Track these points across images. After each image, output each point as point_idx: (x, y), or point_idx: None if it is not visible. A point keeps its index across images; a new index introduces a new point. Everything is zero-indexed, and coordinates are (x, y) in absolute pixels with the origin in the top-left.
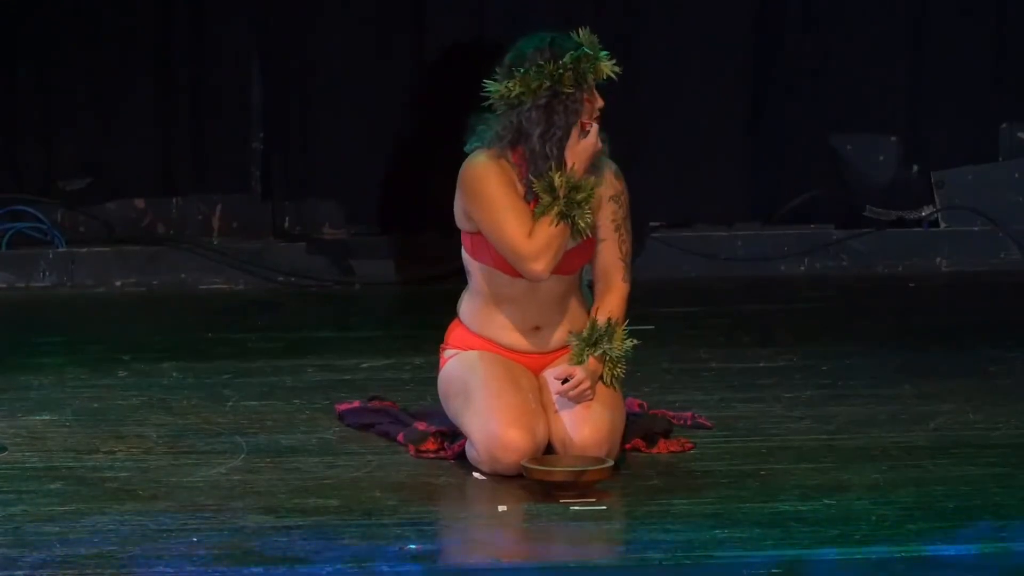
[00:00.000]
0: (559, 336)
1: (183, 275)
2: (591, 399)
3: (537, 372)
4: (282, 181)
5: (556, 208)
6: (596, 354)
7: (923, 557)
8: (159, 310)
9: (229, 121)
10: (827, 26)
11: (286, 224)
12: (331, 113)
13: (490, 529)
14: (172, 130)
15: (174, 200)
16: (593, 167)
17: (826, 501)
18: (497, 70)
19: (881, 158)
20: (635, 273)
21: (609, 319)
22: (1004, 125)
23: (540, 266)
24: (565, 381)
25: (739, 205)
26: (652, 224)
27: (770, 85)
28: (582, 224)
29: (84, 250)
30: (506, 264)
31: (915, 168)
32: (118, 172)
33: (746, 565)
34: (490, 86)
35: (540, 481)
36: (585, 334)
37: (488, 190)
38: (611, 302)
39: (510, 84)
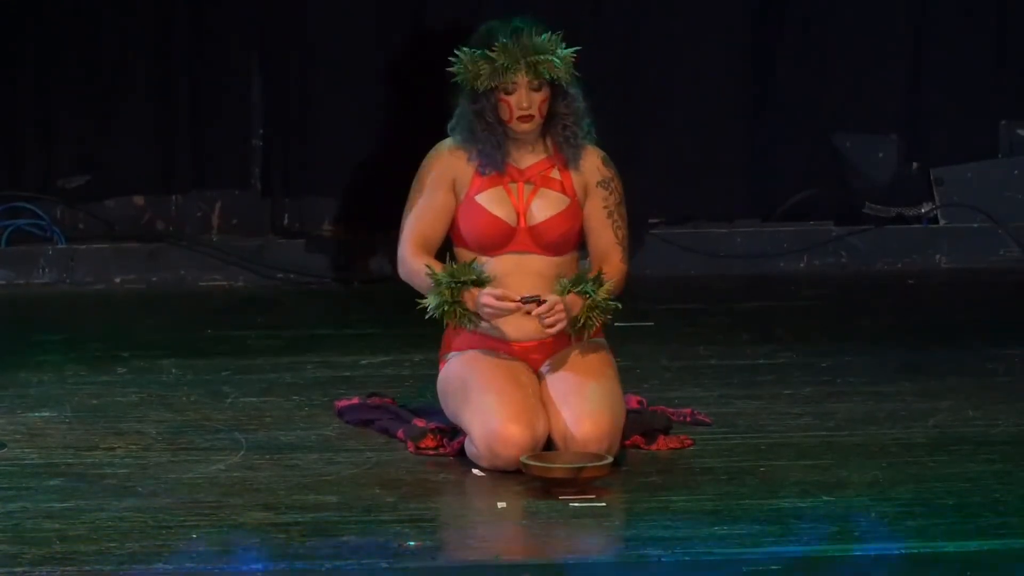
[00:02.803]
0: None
1: (182, 272)
2: (560, 326)
3: (537, 366)
4: (281, 178)
5: (435, 287)
6: (576, 290)
7: (922, 554)
8: (158, 307)
9: (229, 118)
10: (827, 24)
11: (285, 221)
12: (331, 110)
13: (489, 526)
14: (171, 127)
15: (173, 197)
16: (573, 152)
17: (825, 498)
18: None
19: (881, 155)
20: (634, 270)
21: (599, 272)
22: (1003, 122)
23: (399, 266)
24: (536, 304)
25: (739, 202)
26: (651, 221)
27: (770, 82)
28: (436, 306)
29: (83, 247)
30: (484, 245)
31: (914, 165)
32: (118, 169)
33: (745, 562)
34: None
35: (539, 478)
36: (572, 278)
37: (419, 179)
38: (606, 271)
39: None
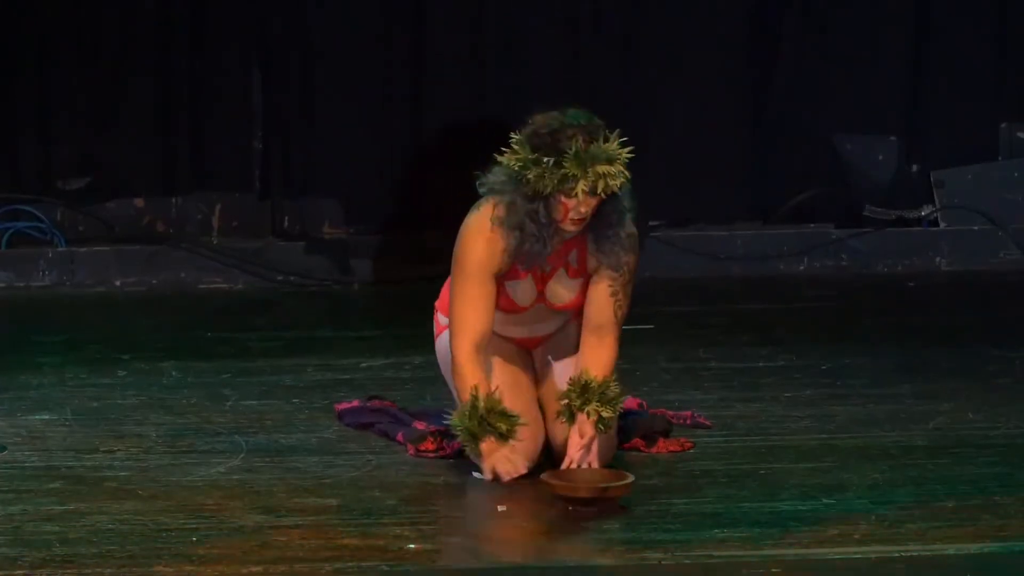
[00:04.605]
0: (555, 328)
1: (183, 274)
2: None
3: (531, 349)
4: (281, 180)
5: (470, 411)
6: (585, 410)
7: (922, 557)
8: (159, 309)
9: (229, 120)
10: (827, 25)
11: (285, 223)
12: (331, 112)
13: (489, 529)
14: (172, 129)
15: (174, 199)
16: (610, 250)
17: (825, 500)
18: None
19: (881, 157)
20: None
21: (604, 381)
22: (1004, 124)
23: (452, 366)
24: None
25: (739, 204)
26: (652, 224)
27: (770, 84)
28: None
29: (84, 249)
30: (506, 307)
31: (915, 167)
32: (118, 171)
33: (745, 564)
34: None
35: (562, 497)
36: (576, 393)
37: (466, 260)
38: (602, 359)
39: (512, 160)
